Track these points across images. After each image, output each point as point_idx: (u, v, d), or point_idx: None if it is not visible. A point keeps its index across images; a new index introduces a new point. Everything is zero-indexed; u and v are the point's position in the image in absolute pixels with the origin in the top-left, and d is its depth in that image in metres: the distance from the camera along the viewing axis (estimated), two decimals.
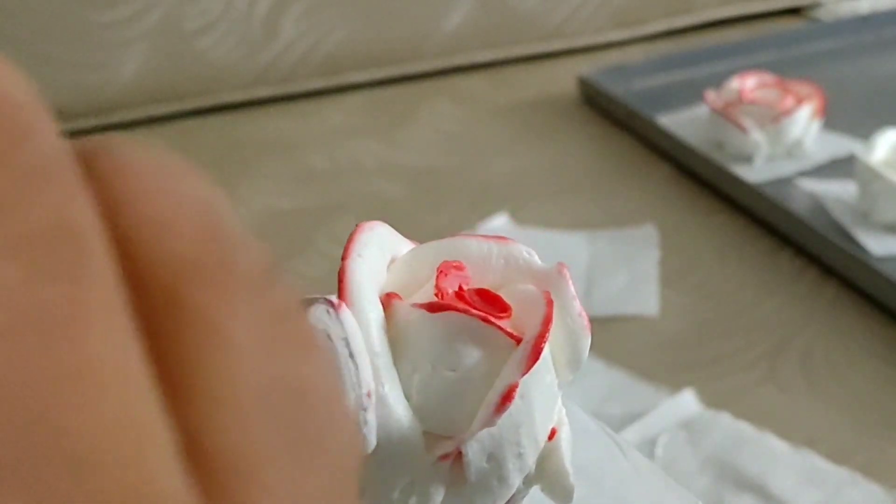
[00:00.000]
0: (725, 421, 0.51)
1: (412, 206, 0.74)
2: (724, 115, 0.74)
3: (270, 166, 0.81)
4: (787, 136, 0.73)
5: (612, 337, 0.58)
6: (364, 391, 0.23)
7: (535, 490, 0.25)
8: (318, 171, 0.80)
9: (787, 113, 0.72)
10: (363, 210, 0.73)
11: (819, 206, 0.68)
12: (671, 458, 0.49)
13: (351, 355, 0.23)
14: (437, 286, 0.25)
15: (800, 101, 0.73)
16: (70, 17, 0.86)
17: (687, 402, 0.52)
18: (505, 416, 0.23)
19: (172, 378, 0.10)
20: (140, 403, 0.09)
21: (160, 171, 0.11)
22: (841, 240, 0.63)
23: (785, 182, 0.71)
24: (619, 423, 0.51)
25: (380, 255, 0.26)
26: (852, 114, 0.79)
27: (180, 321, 0.10)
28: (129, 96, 0.88)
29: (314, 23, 0.92)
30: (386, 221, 0.27)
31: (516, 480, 0.24)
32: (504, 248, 0.26)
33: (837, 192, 0.68)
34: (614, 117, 0.85)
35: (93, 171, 0.10)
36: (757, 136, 0.73)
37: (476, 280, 0.26)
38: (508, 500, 0.24)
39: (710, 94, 0.77)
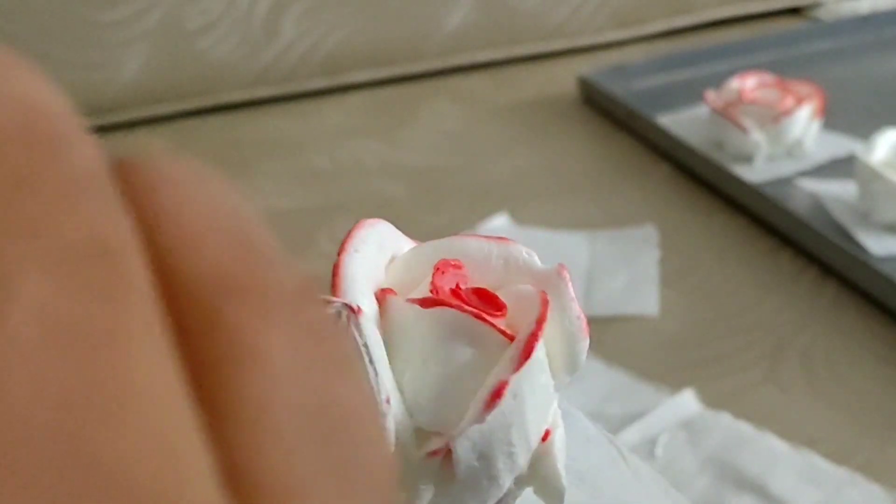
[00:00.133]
0: (725, 421, 0.51)
1: (412, 206, 0.74)
2: (724, 115, 0.74)
3: (270, 166, 0.81)
4: (787, 136, 0.73)
5: (612, 337, 0.58)
6: (383, 398, 0.23)
7: (529, 491, 0.25)
8: (318, 171, 0.80)
9: (787, 113, 0.72)
10: (363, 210, 0.73)
11: (819, 206, 0.68)
12: (671, 458, 0.49)
13: (371, 361, 0.23)
14: (432, 283, 0.25)
15: (800, 101, 0.73)
16: (71, 17, 0.86)
17: (687, 402, 0.52)
18: (496, 414, 0.23)
19: (210, 399, 0.09)
20: (179, 427, 0.09)
21: (195, 184, 0.11)
22: (841, 240, 0.63)
23: (785, 182, 0.71)
24: (619, 423, 0.51)
25: (378, 253, 0.26)
26: (852, 114, 0.79)
27: (217, 340, 0.10)
28: (129, 96, 0.88)
29: (314, 23, 0.92)
30: (386, 221, 0.27)
31: (507, 480, 0.24)
32: (504, 249, 0.26)
33: (837, 192, 0.68)
34: (614, 117, 0.85)
35: (128, 185, 0.10)
36: (757, 136, 0.73)
37: (475, 280, 0.26)
38: (500, 501, 0.24)
39: (710, 94, 0.77)
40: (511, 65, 0.99)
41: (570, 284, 0.26)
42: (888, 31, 0.99)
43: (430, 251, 0.26)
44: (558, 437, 0.25)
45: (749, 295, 0.62)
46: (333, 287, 0.24)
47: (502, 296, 0.25)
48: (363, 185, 0.78)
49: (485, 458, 0.23)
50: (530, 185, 0.76)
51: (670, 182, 0.76)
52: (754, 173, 0.72)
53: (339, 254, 0.25)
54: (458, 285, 0.25)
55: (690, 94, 0.82)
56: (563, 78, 0.93)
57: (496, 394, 0.23)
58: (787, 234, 0.66)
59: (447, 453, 0.23)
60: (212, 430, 0.09)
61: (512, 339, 0.24)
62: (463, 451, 0.23)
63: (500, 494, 0.24)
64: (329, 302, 0.23)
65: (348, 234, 0.26)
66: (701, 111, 0.79)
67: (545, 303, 0.25)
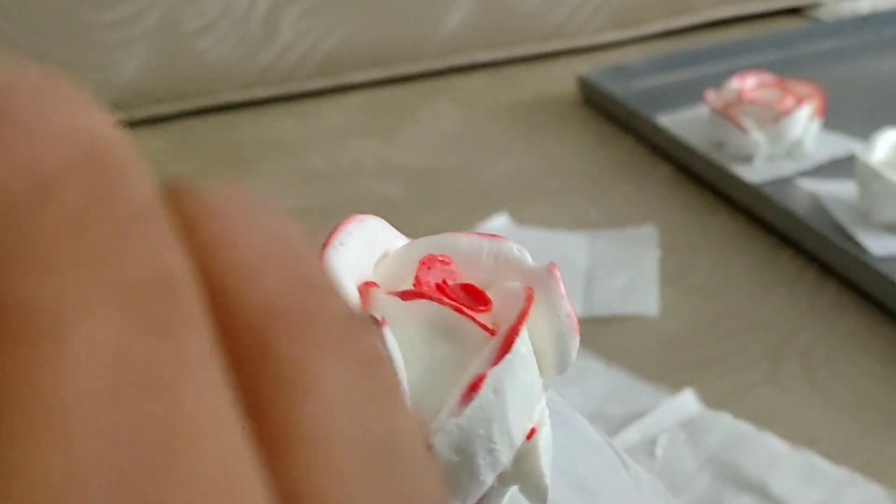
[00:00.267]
0: (725, 421, 0.51)
1: (412, 206, 0.74)
2: (724, 115, 0.74)
3: (270, 166, 0.81)
4: (787, 136, 0.73)
5: (612, 337, 0.58)
6: None
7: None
8: (318, 171, 0.80)
9: (787, 113, 0.72)
10: (363, 210, 0.73)
11: (819, 206, 0.68)
12: (671, 458, 0.49)
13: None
14: (416, 277, 0.25)
15: (800, 101, 0.73)
16: (70, 18, 0.86)
17: (687, 402, 0.52)
18: (475, 408, 0.23)
19: (267, 433, 0.09)
20: (238, 463, 0.09)
21: (247, 212, 0.10)
22: (841, 240, 0.63)
23: (785, 182, 0.71)
24: (619, 423, 0.51)
25: (366, 247, 0.26)
26: (852, 114, 0.79)
27: (273, 372, 0.10)
28: (128, 96, 0.88)
29: (314, 23, 0.92)
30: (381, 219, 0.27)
31: (488, 477, 0.24)
32: (495, 246, 0.26)
33: (837, 192, 0.68)
34: (614, 117, 0.85)
35: (180, 211, 0.10)
36: (757, 136, 0.73)
37: (465, 276, 0.26)
38: (483, 498, 0.24)
39: (710, 94, 0.77)
40: (511, 65, 0.99)
41: (560, 282, 0.25)
42: (888, 31, 0.99)
43: (422, 247, 0.26)
44: (544, 436, 0.25)
45: (749, 295, 0.62)
46: None
47: (491, 293, 0.25)
48: (362, 185, 0.78)
49: (464, 453, 0.23)
50: (530, 185, 0.76)
51: (670, 182, 0.76)
52: (754, 173, 0.72)
53: (323, 247, 0.25)
54: (444, 280, 0.25)
55: (690, 94, 0.82)
56: (562, 78, 0.93)
57: (473, 387, 0.23)
58: (787, 234, 0.66)
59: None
60: (269, 463, 0.09)
61: (494, 333, 0.24)
62: (441, 445, 0.23)
63: (482, 491, 0.24)
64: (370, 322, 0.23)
65: (336, 227, 0.26)
66: (701, 111, 0.79)
67: (529, 298, 0.25)
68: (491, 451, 0.23)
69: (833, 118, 0.76)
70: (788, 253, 0.66)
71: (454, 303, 0.24)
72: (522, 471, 0.24)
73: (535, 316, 0.25)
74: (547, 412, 0.25)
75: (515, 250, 0.26)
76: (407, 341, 0.24)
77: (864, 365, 0.55)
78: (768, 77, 0.76)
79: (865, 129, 0.70)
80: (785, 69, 0.83)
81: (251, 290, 0.10)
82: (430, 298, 0.24)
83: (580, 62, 0.97)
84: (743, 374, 0.55)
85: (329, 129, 0.88)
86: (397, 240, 0.27)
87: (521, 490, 0.25)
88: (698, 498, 0.47)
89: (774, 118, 0.72)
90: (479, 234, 0.27)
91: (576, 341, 0.25)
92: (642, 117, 0.81)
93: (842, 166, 0.71)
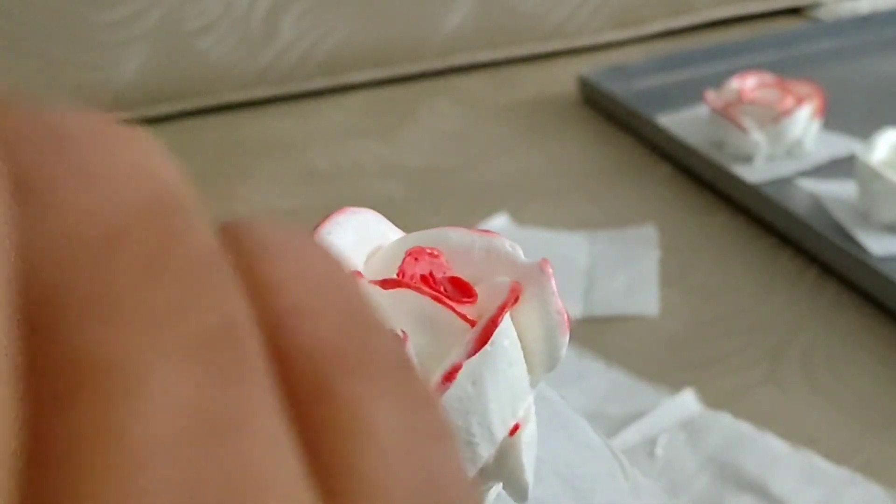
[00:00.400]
0: (725, 421, 0.51)
1: (412, 206, 0.74)
2: (724, 115, 0.74)
3: (270, 166, 0.81)
4: (787, 136, 0.73)
5: (612, 337, 0.58)
6: None
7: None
8: (318, 171, 0.80)
9: (787, 113, 0.72)
10: None
11: (819, 206, 0.68)
12: (671, 458, 0.49)
13: None
14: (400, 268, 0.25)
15: (800, 101, 0.73)
16: (70, 17, 0.86)
17: (687, 402, 0.52)
18: (451, 399, 0.23)
19: (325, 475, 0.10)
20: None
21: (299, 253, 0.11)
22: (841, 240, 0.63)
23: (785, 182, 0.71)
24: (619, 424, 0.51)
25: (356, 239, 0.26)
26: (852, 114, 0.79)
27: (329, 414, 0.10)
28: (129, 96, 0.88)
29: (314, 23, 0.92)
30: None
31: (468, 470, 0.24)
32: (486, 241, 0.26)
33: (837, 192, 0.68)
34: (614, 117, 0.85)
35: (237, 253, 0.10)
36: (757, 136, 0.73)
37: (456, 270, 0.26)
38: None
39: (710, 94, 0.77)
40: (511, 65, 0.99)
41: (552, 279, 0.25)
42: (888, 31, 0.99)
43: (414, 241, 0.26)
44: (528, 433, 0.25)
45: (749, 295, 0.62)
46: None
47: (481, 288, 0.25)
48: (363, 185, 0.78)
49: None
50: (530, 185, 0.76)
51: (670, 182, 0.76)
52: (754, 173, 0.72)
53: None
54: (431, 273, 0.25)
55: (690, 94, 0.82)
56: (563, 78, 0.93)
57: (448, 377, 0.23)
58: (787, 234, 0.66)
59: None
60: None
61: (474, 325, 0.24)
62: None
63: None
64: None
65: (326, 217, 0.26)
66: (701, 111, 0.79)
67: (513, 291, 0.25)
68: (470, 444, 0.23)
69: (833, 118, 0.76)
70: (788, 253, 0.66)
71: (434, 293, 0.24)
72: (504, 466, 0.24)
73: (526, 312, 0.25)
74: (534, 409, 0.25)
75: (508, 246, 0.26)
76: None
77: (864, 365, 0.56)
78: (768, 77, 0.76)
79: (865, 129, 0.70)
80: (785, 69, 0.83)
81: (307, 331, 0.10)
82: (410, 287, 0.24)
83: (580, 62, 0.97)
84: (743, 374, 0.55)
85: (329, 129, 0.88)
86: (392, 234, 0.27)
87: (504, 486, 0.25)
88: (698, 498, 0.47)
89: (774, 118, 0.72)
90: (471, 229, 0.27)
91: (565, 339, 0.25)
92: (642, 117, 0.81)
93: (842, 166, 0.71)
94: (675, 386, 0.54)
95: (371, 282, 0.24)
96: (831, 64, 0.93)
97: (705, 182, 0.74)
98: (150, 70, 0.88)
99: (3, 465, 0.08)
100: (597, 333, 0.59)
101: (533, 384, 0.25)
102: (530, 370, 0.25)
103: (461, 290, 0.25)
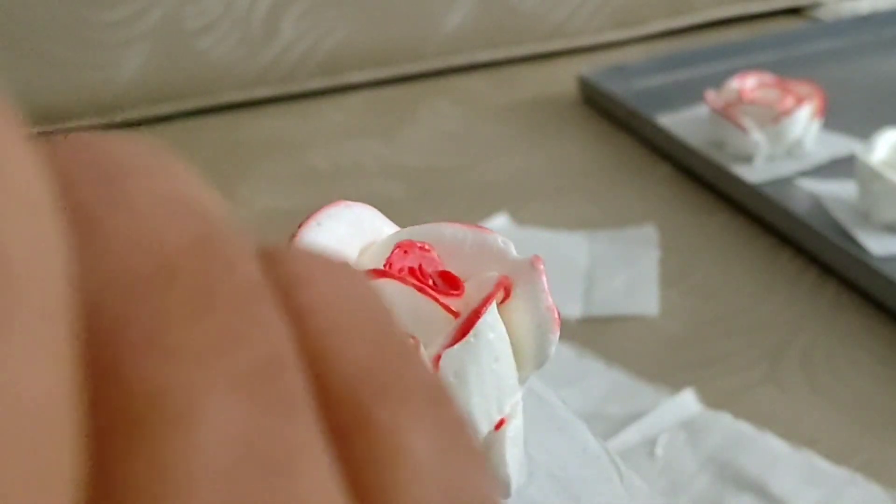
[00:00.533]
0: (725, 421, 0.51)
1: (412, 206, 0.74)
2: (724, 115, 0.74)
3: (270, 166, 0.81)
4: (787, 136, 0.73)
5: (612, 337, 0.58)
6: None
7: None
8: (318, 171, 0.80)
9: (787, 113, 0.72)
10: None
11: (819, 206, 0.68)
12: (671, 458, 0.49)
13: None
14: (388, 260, 0.25)
15: (800, 101, 0.73)
16: (70, 17, 0.86)
17: (687, 402, 0.52)
18: None
19: (364, 500, 0.10)
20: None
21: (334, 279, 0.11)
22: (841, 240, 0.63)
23: (785, 182, 0.71)
24: (619, 424, 0.51)
25: (347, 232, 0.26)
26: (852, 114, 0.79)
27: (367, 440, 0.10)
28: (129, 96, 0.88)
29: (314, 23, 0.92)
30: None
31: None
32: (479, 237, 0.26)
33: (837, 192, 0.68)
34: (614, 117, 0.85)
35: (275, 279, 0.10)
36: (757, 136, 0.73)
37: (448, 265, 0.26)
38: None
39: (710, 94, 0.77)
40: (511, 65, 0.99)
41: (543, 275, 0.25)
42: (888, 31, 0.99)
43: (407, 236, 0.26)
44: (513, 428, 0.25)
45: (749, 295, 0.62)
46: None
47: (471, 283, 0.25)
48: (363, 185, 0.78)
49: None
50: (530, 185, 0.76)
51: (670, 182, 0.76)
52: (754, 173, 0.72)
53: (299, 225, 0.25)
54: (420, 266, 0.25)
55: (690, 94, 0.82)
56: (563, 78, 0.93)
57: None
58: (787, 234, 0.66)
59: None
60: None
61: (458, 315, 0.24)
62: None
63: None
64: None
65: (319, 208, 0.26)
66: (701, 111, 0.79)
67: (499, 284, 0.25)
68: None
69: (833, 118, 0.76)
70: (788, 253, 0.66)
71: (419, 283, 0.24)
72: (486, 462, 0.24)
73: (516, 308, 0.25)
74: (521, 406, 0.25)
75: (500, 242, 0.26)
76: None
77: (864, 365, 0.56)
78: (768, 77, 0.76)
79: (865, 129, 0.70)
80: (785, 69, 0.83)
81: (344, 358, 0.10)
82: (394, 278, 0.24)
83: (580, 62, 0.97)
84: (743, 374, 0.55)
85: (329, 129, 0.88)
86: (387, 228, 0.27)
87: None
88: (698, 498, 0.47)
89: (774, 118, 0.72)
90: (464, 224, 0.27)
91: (555, 335, 0.25)
92: (642, 117, 0.81)
93: (842, 166, 0.71)
94: (675, 386, 0.54)
95: None
96: (831, 64, 0.93)
97: (705, 182, 0.74)
98: (150, 70, 0.88)
99: (69, 496, 0.08)
100: (597, 333, 0.59)
101: (522, 381, 0.25)
102: (519, 367, 0.25)
103: (450, 283, 0.25)
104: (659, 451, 0.50)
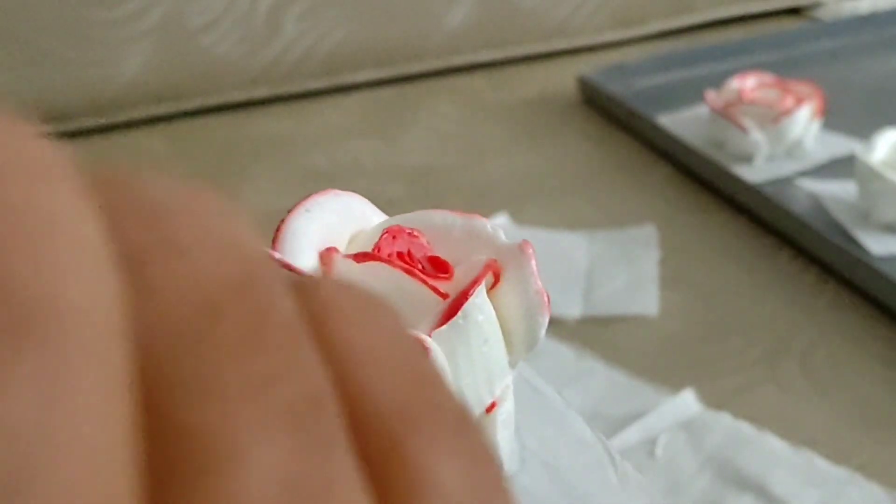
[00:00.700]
0: (725, 421, 0.51)
1: (412, 206, 0.73)
2: (724, 115, 0.74)
3: (270, 166, 0.81)
4: (787, 136, 0.73)
5: (612, 337, 0.58)
6: None
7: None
8: (318, 171, 0.80)
9: (787, 113, 0.72)
10: None
11: (819, 206, 0.68)
12: (671, 458, 0.49)
13: None
14: (377, 244, 0.25)
15: (800, 101, 0.73)
16: (72, 15, 0.86)
17: (687, 402, 0.52)
18: None
19: None
20: None
21: (366, 312, 0.11)
22: (841, 240, 0.63)
23: (785, 182, 0.71)
24: (619, 424, 0.51)
25: (336, 220, 0.26)
26: (852, 114, 0.79)
27: (400, 472, 0.10)
28: (131, 94, 0.88)
29: (315, 22, 0.92)
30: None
31: None
32: (467, 222, 0.27)
33: (837, 192, 0.68)
34: (614, 117, 0.85)
35: (308, 315, 0.11)
36: (757, 136, 0.73)
37: (437, 251, 0.26)
38: None
39: (710, 94, 0.77)
40: (511, 65, 0.99)
41: (532, 259, 0.26)
42: (888, 31, 0.99)
43: (396, 223, 0.27)
44: (505, 411, 0.25)
45: (749, 295, 0.62)
46: (274, 241, 0.24)
47: (460, 268, 0.25)
48: (363, 185, 0.78)
49: None
50: (530, 185, 0.76)
51: (670, 182, 0.76)
52: (754, 173, 0.72)
53: (288, 212, 0.25)
54: (409, 251, 0.25)
55: (690, 94, 0.82)
56: (563, 78, 0.93)
57: None
58: (787, 234, 0.66)
59: None
60: None
61: (446, 297, 0.24)
62: None
63: None
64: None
65: (308, 196, 0.26)
66: (701, 111, 0.79)
67: (488, 266, 0.25)
68: None
69: (833, 118, 0.76)
70: (788, 253, 0.66)
71: (407, 266, 0.24)
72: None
73: (505, 292, 0.25)
74: (511, 388, 0.25)
75: (488, 227, 0.26)
76: None
77: (864, 365, 0.56)
78: (768, 77, 0.76)
79: (865, 129, 0.70)
80: (785, 69, 0.83)
81: (377, 391, 0.11)
82: (382, 261, 0.24)
83: (580, 62, 0.97)
84: (743, 374, 0.55)
85: (329, 129, 0.88)
86: (376, 217, 0.27)
87: None
88: (698, 498, 0.47)
89: (774, 118, 0.72)
90: (453, 211, 0.27)
91: (545, 318, 0.25)
92: (642, 117, 0.81)
93: (842, 166, 0.71)
94: (675, 386, 0.54)
95: (344, 256, 0.25)
96: (831, 64, 0.93)
97: (705, 182, 0.74)
98: (152, 67, 0.88)
99: None
100: (597, 333, 0.59)
101: (513, 364, 0.26)
102: (510, 350, 0.25)
103: (439, 268, 0.25)
104: (659, 451, 0.50)
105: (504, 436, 0.25)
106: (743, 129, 0.73)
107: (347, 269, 0.24)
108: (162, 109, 0.89)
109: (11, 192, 0.08)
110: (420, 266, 0.25)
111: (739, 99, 0.74)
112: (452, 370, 0.23)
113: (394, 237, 0.25)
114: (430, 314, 0.24)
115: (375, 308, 0.11)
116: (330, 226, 0.26)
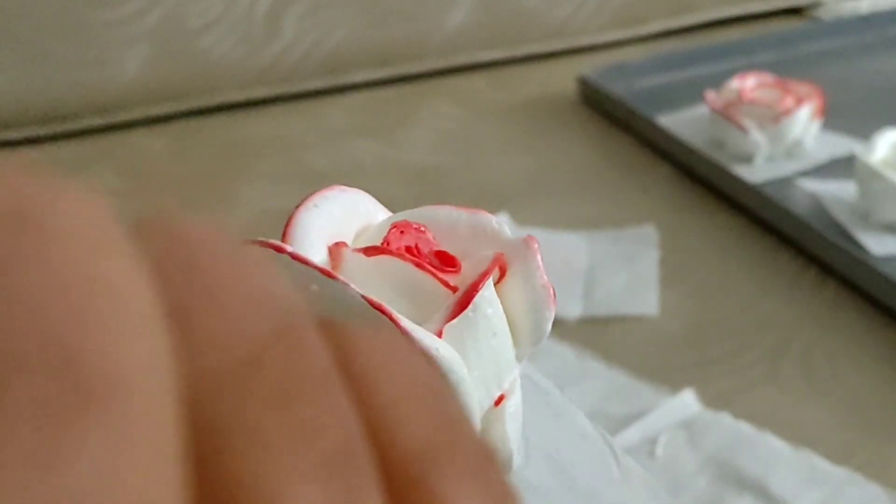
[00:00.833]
0: (725, 421, 0.51)
1: (412, 205, 0.73)
2: (724, 115, 0.74)
3: (270, 166, 0.81)
4: (787, 136, 0.73)
5: (612, 337, 0.58)
6: None
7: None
8: (318, 171, 0.80)
9: (787, 113, 0.72)
10: None
11: (819, 206, 0.68)
12: (671, 458, 0.49)
13: None
14: (385, 239, 0.25)
15: (800, 101, 0.73)
16: (71, 15, 0.86)
17: (687, 402, 0.52)
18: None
19: None
20: None
21: (392, 351, 0.12)
22: (841, 240, 0.63)
23: (785, 182, 0.71)
24: (619, 423, 0.51)
25: (343, 215, 0.26)
26: (852, 114, 0.79)
27: None
28: (131, 94, 0.88)
29: (315, 22, 0.92)
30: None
31: None
32: (472, 218, 0.27)
33: (837, 192, 0.68)
34: (614, 117, 0.85)
35: (336, 349, 0.11)
36: (757, 136, 0.73)
37: (443, 246, 0.26)
38: None
39: (710, 94, 0.77)
40: (511, 65, 0.99)
41: (537, 254, 0.26)
42: (888, 31, 0.99)
43: (402, 218, 0.27)
44: (513, 404, 0.25)
45: (749, 295, 0.62)
46: (284, 235, 0.24)
47: (467, 262, 0.26)
48: (363, 185, 0.77)
49: None
50: (530, 185, 0.76)
51: (670, 182, 0.76)
52: (754, 173, 0.72)
53: (296, 206, 0.25)
54: (416, 245, 0.25)
55: (690, 94, 0.82)
56: (563, 78, 0.93)
57: None
58: (787, 234, 0.66)
59: None
60: None
61: (456, 290, 0.24)
62: None
63: None
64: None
65: (315, 191, 0.26)
66: (701, 111, 0.79)
67: (495, 260, 0.25)
68: None
69: (833, 118, 0.76)
70: (788, 253, 0.66)
71: (417, 260, 0.25)
72: (488, 436, 0.25)
73: (511, 286, 0.25)
74: (519, 382, 0.25)
75: (494, 223, 0.27)
76: (371, 296, 0.24)
77: (864, 365, 0.56)
78: (768, 77, 0.76)
79: (865, 129, 0.70)
80: (785, 69, 0.83)
81: (403, 428, 0.11)
82: (393, 255, 0.24)
83: (580, 62, 0.97)
84: (743, 374, 0.55)
85: (330, 129, 0.88)
86: (381, 214, 0.28)
87: None
88: (698, 498, 0.47)
89: (774, 118, 0.72)
90: (458, 207, 0.27)
91: (551, 312, 0.25)
92: (642, 117, 0.81)
93: (842, 166, 0.71)
94: (675, 386, 0.54)
95: (354, 250, 0.25)
96: (831, 64, 0.93)
97: (705, 182, 0.74)
98: (151, 68, 0.88)
99: None
100: (597, 333, 0.59)
101: (519, 357, 0.26)
102: (516, 343, 0.25)
103: (446, 262, 0.25)
104: (659, 451, 0.50)
105: (513, 428, 0.25)
106: (743, 129, 0.73)
107: (357, 263, 0.24)
108: (162, 109, 0.89)
109: (73, 263, 0.09)
110: (428, 261, 0.25)
111: (739, 99, 0.74)
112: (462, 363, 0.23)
113: (402, 232, 0.26)
114: (440, 307, 0.24)
115: (402, 350, 0.12)
116: (337, 221, 0.26)
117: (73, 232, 0.09)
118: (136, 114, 0.89)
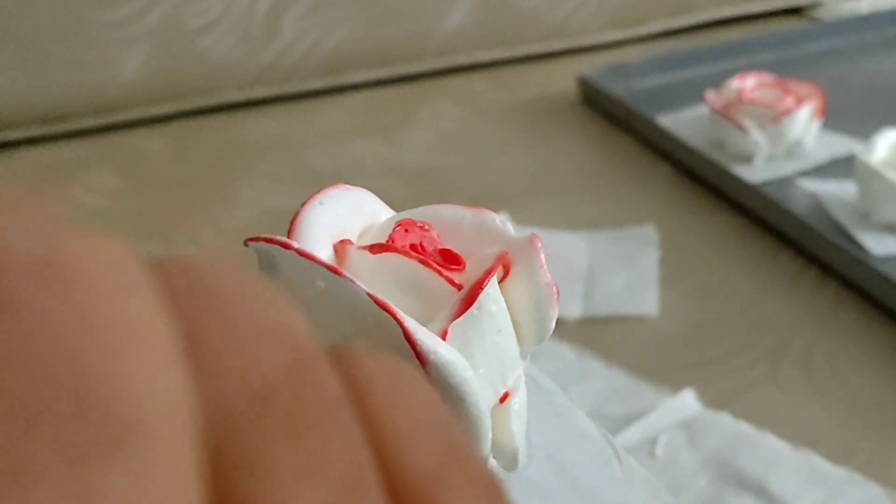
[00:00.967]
0: (725, 421, 0.51)
1: (412, 205, 0.74)
2: (724, 115, 0.74)
3: (270, 166, 0.81)
4: (787, 136, 0.73)
5: (612, 337, 0.58)
6: None
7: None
8: (318, 171, 0.80)
9: (787, 113, 0.72)
10: None
11: (819, 206, 0.68)
12: (671, 458, 0.49)
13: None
14: (390, 237, 0.25)
15: (800, 101, 0.73)
16: (71, 16, 0.86)
17: (687, 402, 0.52)
18: (440, 365, 0.23)
19: None
20: None
21: (399, 381, 0.12)
22: (841, 240, 0.63)
23: (785, 182, 0.71)
24: (619, 423, 0.51)
25: (348, 213, 0.26)
26: (852, 114, 0.79)
27: None
28: (129, 95, 0.88)
29: (314, 22, 0.92)
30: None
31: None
32: (477, 216, 0.27)
33: (837, 192, 0.68)
34: (614, 117, 0.85)
35: (347, 379, 0.12)
36: (757, 136, 0.73)
37: (447, 244, 0.26)
38: None
39: (710, 94, 0.77)
40: (511, 65, 0.99)
41: (541, 253, 0.26)
42: (888, 31, 0.99)
43: (406, 217, 0.27)
44: (518, 401, 0.25)
45: (749, 295, 0.62)
46: (290, 232, 0.24)
47: (471, 261, 0.26)
48: (363, 185, 0.77)
49: None
50: (530, 185, 0.76)
51: (670, 182, 0.76)
52: (754, 173, 0.72)
53: (302, 204, 0.25)
54: (421, 243, 0.26)
55: (690, 94, 0.82)
56: (563, 78, 0.93)
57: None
58: (787, 234, 0.66)
59: None
60: None
61: (461, 288, 0.24)
62: None
63: None
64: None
65: (319, 189, 0.26)
66: (701, 111, 0.79)
67: (500, 258, 0.25)
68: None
69: (833, 118, 0.76)
70: (788, 253, 0.66)
71: (421, 257, 0.25)
72: (493, 434, 0.25)
73: (515, 284, 0.25)
74: (523, 380, 0.26)
75: (498, 221, 0.27)
76: (376, 293, 0.24)
77: (864, 365, 0.56)
78: (768, 77, 0.76)
79: (865, 129, 0.70)
80: (785, 69, 0.83)
81: (411, 455, 0.11)
82: (398, 252, 0.24)
83: (580, 62, 0.97)
84: (743, 374, 0.55)
85: (329, 129, 0.88)
86: (385, 213, 0.28)
87: (493, 454, 0.25)
88: (698, 498, 0.47)
89: (774, 118, 0.72)
90: (462, 205, 0.27)
91: (554, 311, 0.26)
92: (642, 117, 0.81)
93: (842, 166, 0.71)
94: (675, 386, 0.54)
95: (359, 247, 0.25)
96: (831, 64, 0.93)
97: (705, 182, 0.74)
98: (150, 69, 0.88)
99: None
100: (597, 333, 0.59)
101: (523, 355, 0.26)
102: (520, 341, 0.25)
103: (450, 260, 0.25)
104: (659, 451, 0.50)
105: (518, 426, 0.25)
106: (743, 129, 0.73)
107: (362, 261, 0.24)
108: (161, 110, 0.89)
109: (97, 307, 0.09)
110: (433, 258, 0.25)
111: (739, 99, 0.74)
112: (467, 360, 0.23)
113: (406, 230, 0.26)
114: (445, 305, 0.24)
115: (408, 378, 0.12)
116: (342, 219, 0.26)
117: (97, 276, 0.09)
118: (136, 114, 0.89)
